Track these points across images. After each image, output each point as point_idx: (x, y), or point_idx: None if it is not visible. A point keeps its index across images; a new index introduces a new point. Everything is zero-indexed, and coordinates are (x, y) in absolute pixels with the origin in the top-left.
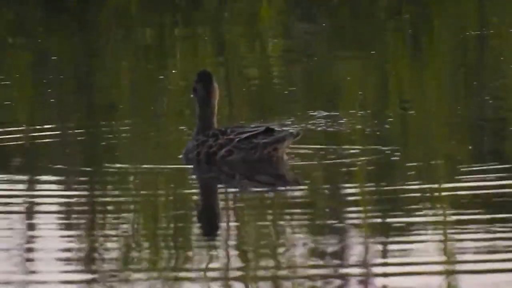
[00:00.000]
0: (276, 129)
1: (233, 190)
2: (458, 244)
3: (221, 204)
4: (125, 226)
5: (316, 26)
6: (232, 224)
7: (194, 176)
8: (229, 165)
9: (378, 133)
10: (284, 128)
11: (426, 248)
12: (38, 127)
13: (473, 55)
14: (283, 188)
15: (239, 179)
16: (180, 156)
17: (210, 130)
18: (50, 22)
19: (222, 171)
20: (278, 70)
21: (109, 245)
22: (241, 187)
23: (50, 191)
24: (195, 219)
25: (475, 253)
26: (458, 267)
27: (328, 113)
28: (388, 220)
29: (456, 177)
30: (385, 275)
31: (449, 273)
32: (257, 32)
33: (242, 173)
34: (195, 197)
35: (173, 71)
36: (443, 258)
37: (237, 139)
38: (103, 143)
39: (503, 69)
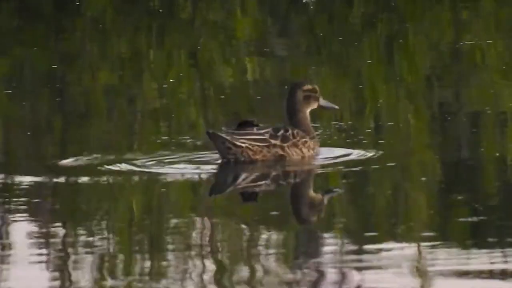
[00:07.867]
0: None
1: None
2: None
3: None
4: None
5: (292, 37)
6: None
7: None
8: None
9: (355, 143)
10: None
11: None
12: (12, 136)
13: (448, 67)
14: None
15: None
16: None
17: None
18: (25, 31)
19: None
20: (254, 82)
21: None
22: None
23: (23, 200)
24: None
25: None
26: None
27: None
28: (363, 231)
29: (434, 189)
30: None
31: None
32: (232, 40)
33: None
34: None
35: (147, 81)
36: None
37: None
38: (77, 152)
39: (478, 80)
